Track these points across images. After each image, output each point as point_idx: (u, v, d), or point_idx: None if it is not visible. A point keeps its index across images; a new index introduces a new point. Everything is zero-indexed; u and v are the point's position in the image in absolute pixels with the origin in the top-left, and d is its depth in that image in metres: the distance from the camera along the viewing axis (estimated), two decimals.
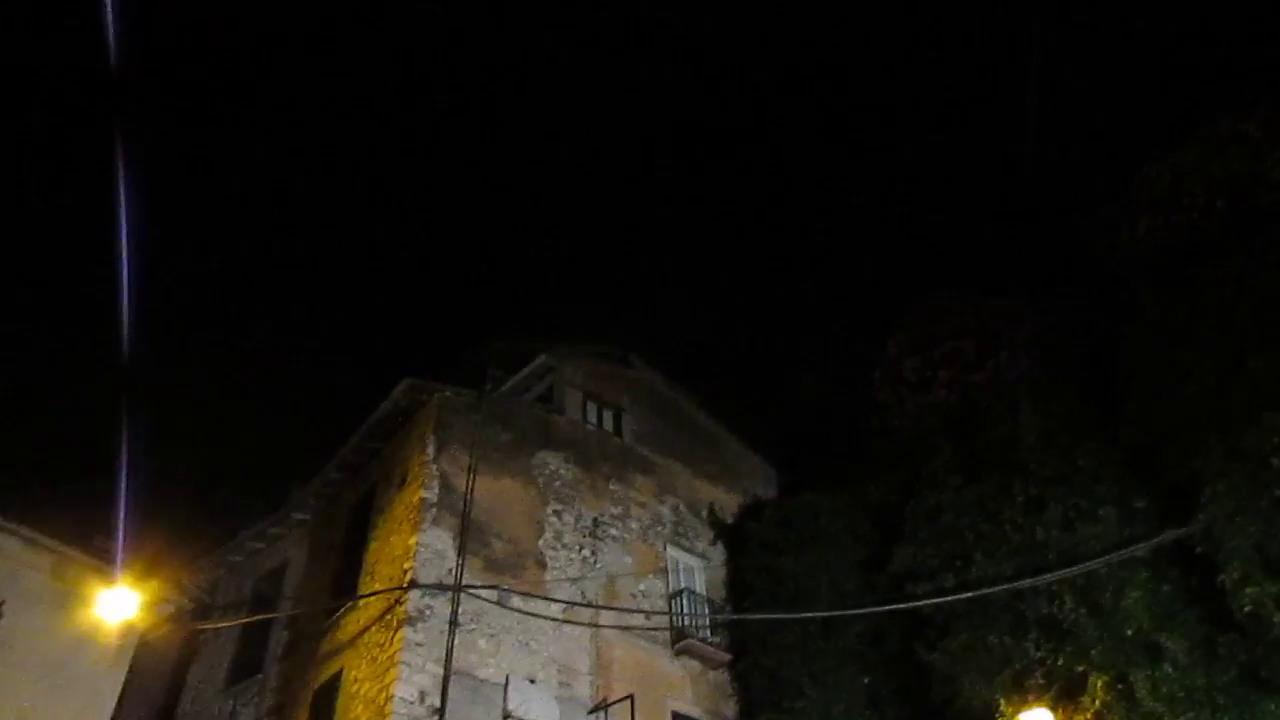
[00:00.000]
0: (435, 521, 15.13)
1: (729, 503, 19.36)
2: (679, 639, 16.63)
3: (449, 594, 14.45)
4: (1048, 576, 12.48)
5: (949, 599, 13.25)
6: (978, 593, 12.99)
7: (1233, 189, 13.89)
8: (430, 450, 15.78)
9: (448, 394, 16.50)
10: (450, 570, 14.77)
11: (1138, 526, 12.52)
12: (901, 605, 14.00)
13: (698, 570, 18.13)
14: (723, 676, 16.93)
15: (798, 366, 23.22)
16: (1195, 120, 14.85)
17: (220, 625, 18.13)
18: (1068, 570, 12.38)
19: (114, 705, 13.75)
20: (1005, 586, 12.80)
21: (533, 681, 14.62)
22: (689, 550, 18.25)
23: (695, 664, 16.73)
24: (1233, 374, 11.77)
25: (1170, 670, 11.54)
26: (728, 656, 16.87)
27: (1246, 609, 10.90)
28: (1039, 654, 12.52)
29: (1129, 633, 11.99)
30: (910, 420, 17.31)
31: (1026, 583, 12.59)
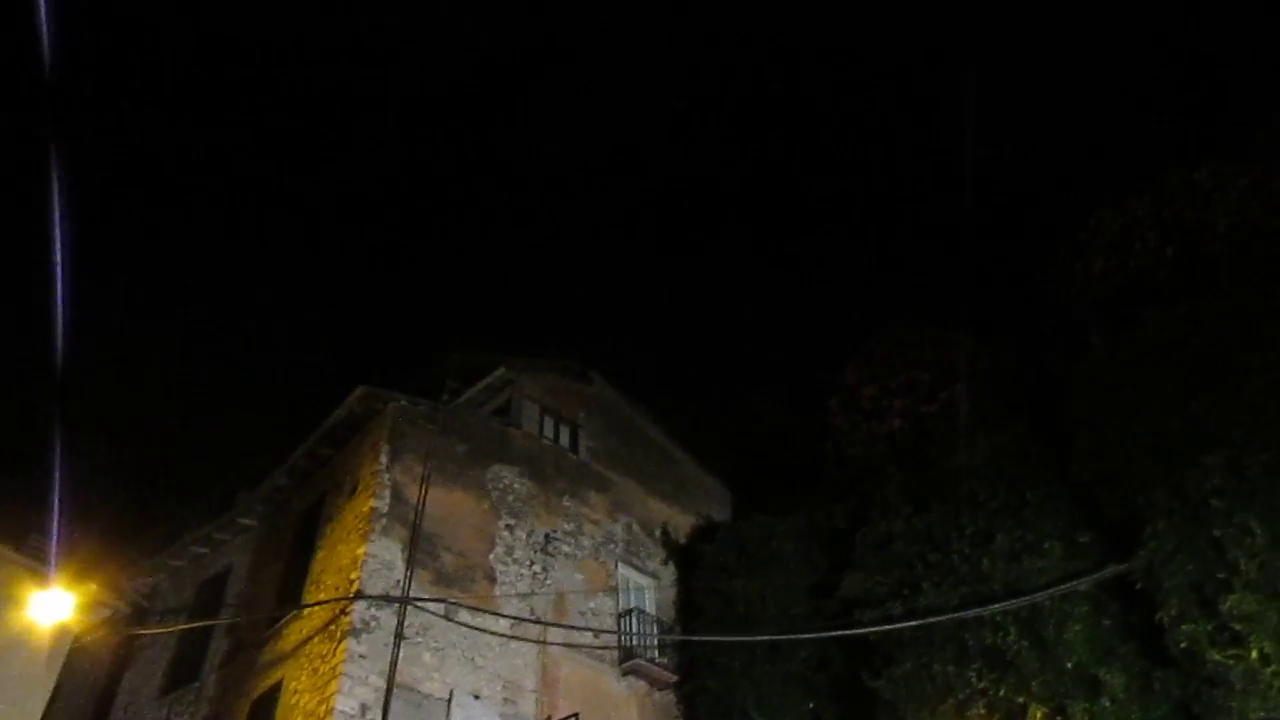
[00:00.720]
0: (385, 532, 14.95)
1: (682, 523, 19.37)
2: (627, 658, 16.56)
3: (396, 606, 14.27)
4: (993, 607, 12.65)
5: (895, 627, 13.37)
6: (924, 621, 13.13)
7: (1183, 236, 14.30)
8: (383, 459, 15.60)
9: (403, 403, 16.36)
10: (398, 582, 14.59)
11: (1081, 561, 12.75)
12: (849, 631, 14.10)
13: (648, 590, 18.10)
14: (669, 698, 16.88)
15: (756, 390, 23.37)
16: (1151, 167, 15.29)
17: (159, 630, 17.69)
18: (1012, 602, 12.57)
19: (43, 710, 13.35)
20: (951, 616, 12.95)
21: (477, 697, 14.46)
22: (640, 569, 18.22)
23: (642, 684, 16.67)
24: (1176, 416, 12.06)
25: (1108, 704, 11.73)
26: (674, 678, 16.83)
27: (1182, 645, 11.13)
28: (981, 684, 12.66)
29: (1069, 665, 12.17)
30: (864, 448, 17.49)
31: (972, 613, 12.75)
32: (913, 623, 13.22)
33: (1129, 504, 12.24)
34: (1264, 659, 10.46)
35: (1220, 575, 10.89)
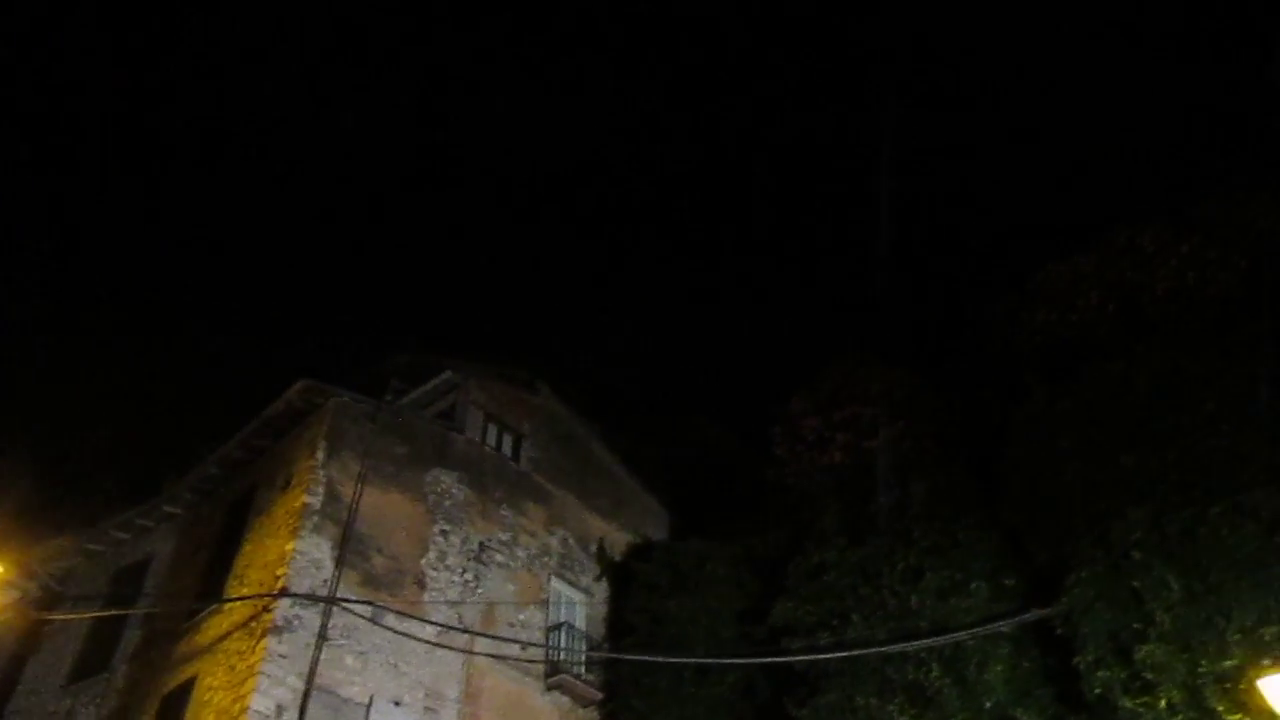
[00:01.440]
0: (316, 529, 14.67)
1: (619, 540, 19.34)
2: (553, 673, 16.45)
3: (321, 606, 14.00)
4: (918, 644, 12.87)
5: (822, 657, 13.52)
6: (850, 653, 13.29)
7: (1123, 295, 14.80)
8: (320, 455, 15.33)
9: (345, 399, 16.10)
10: (325, 581, 14.32)
11: (1006, 603, 13.03)
12: (776, 659, 14.21)
13: (579, 605, 18.01)
14: (593, 715, 16.79)
15: (703, 413, 23.48)
16: (1101, 226, 15.80)
17: (70, 617, 17.06)
18: (937, 639, 12.80)
19: None
20: (877, 649, 13.14)
21: (398, 704, 14.22)
22: (573, 584, 18.13)
23: (566, 700, 16.56)
24: (1106, 468, 12.44)
25: None
26: (600, 695, 16.75)
27: (1097, 691, 11.43)
28: (903, 719, 12.83)
29: (988, 705, 12.42)
30: (805, 478, 17.67)
31: (897, 648, 12.96)
32: (839, 654, 13.37)
33: (1055, 550, 12.56)
34: (1171, 709, 10.79)
35: (1136, 625, 11.22)
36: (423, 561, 15.85)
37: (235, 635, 14.16)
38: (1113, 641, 11.47)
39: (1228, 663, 10.44)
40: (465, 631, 15.47)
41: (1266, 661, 10.18)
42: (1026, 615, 12.62)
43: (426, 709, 14.61)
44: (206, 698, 13.89)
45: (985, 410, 15.85)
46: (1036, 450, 13.59)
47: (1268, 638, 10.34)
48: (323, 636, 13.77)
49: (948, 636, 12.76)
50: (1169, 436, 12.13)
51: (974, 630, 12.68)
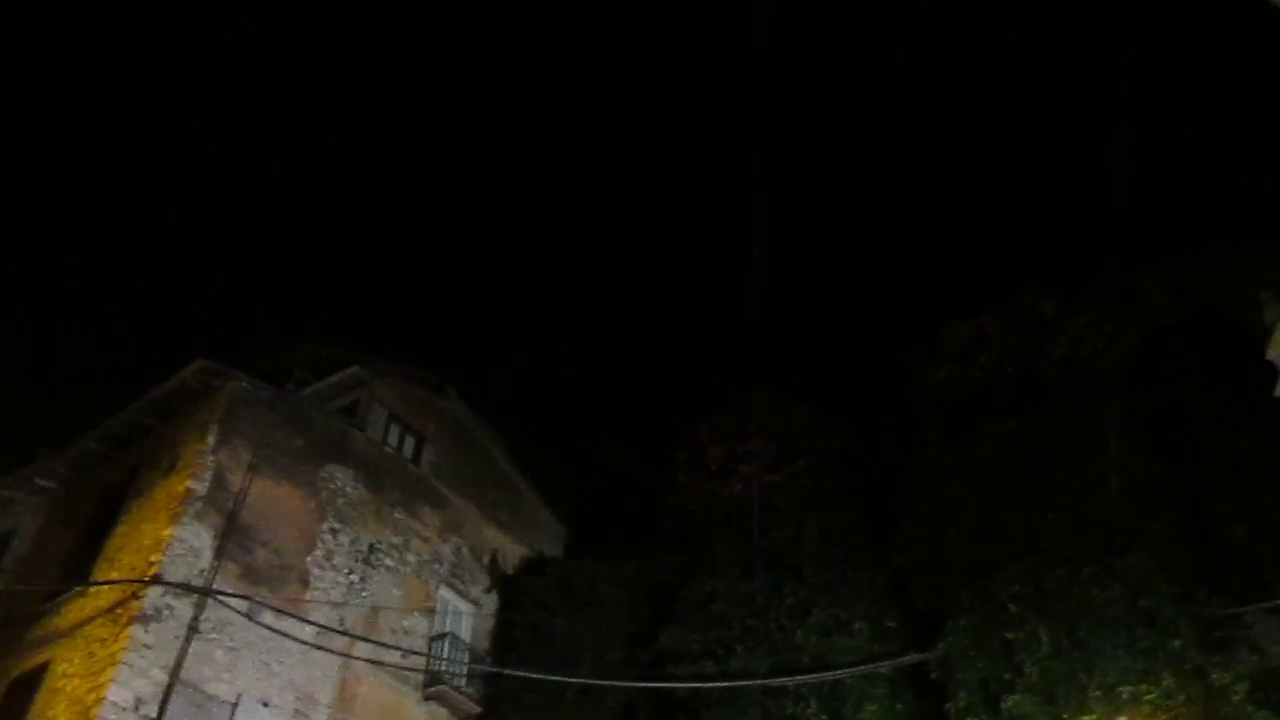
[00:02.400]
0: (198, 516, 14.11)
1: (513, 553, 19.13)
2: (432, 683, 16.11)
3: (195, 597, 13.44)
4: (799, 678, 13.10)
5: (705, 685, 13.62)
6: (732, 684, 13.44)
7: (1022, 358, 15.46)
8: (210, 439, 14.77)
9: (244, 384, 15.57)
10: (202, 572, 13.76)
11: (886, 644, 13.39)
12: (660, 684, 14.23)
13: (467, 616, 17.71)
14: None
15: (610, 434, 23.46)
16: (1006, 288, 16.50)
17: None
18: (817, 675, 13.06)
19: None
20: (759, 682, 13.31)
21: (266, 705, 13.73)
22: (462, 594, 17.83)
23: (444, 712, 16.23)
24: (992, 522, 12.95)
25: None
26: (478, 709, 16.47)
27: None
28: None
29: None
30: (705, 506, 17.81)
31: (779, 681, 13.16)
32: (722, 684, 13.49)
33: (937, 597, 12.98)
34: None
35: (1006, 676, 11.67)
36: (308, 559, 15.38)
37: (98, 621, 13.46)
38: (983, 690, 11.89)
39: (1087, 717, 10.93)
40: (345, 634, 15.04)
41: (1123, 718, 10.71)
42: (904, 658, 12.99)
43: (296, 712, 14.13)
44: (60, 685, 13.15)
45: (883, 456, 16.30)
46: (928, 499, 14.05)
47: (1125, 695, 10.88)
48: (193, 629, 13.22)
49: (828, 673, 13.03)
50: (1051, 497, 12.70)
51: (854, 669, 12.99)
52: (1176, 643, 11.02)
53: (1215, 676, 11.05)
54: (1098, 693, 10.94)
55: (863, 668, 13.00)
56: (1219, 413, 13.11)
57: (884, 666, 13.05)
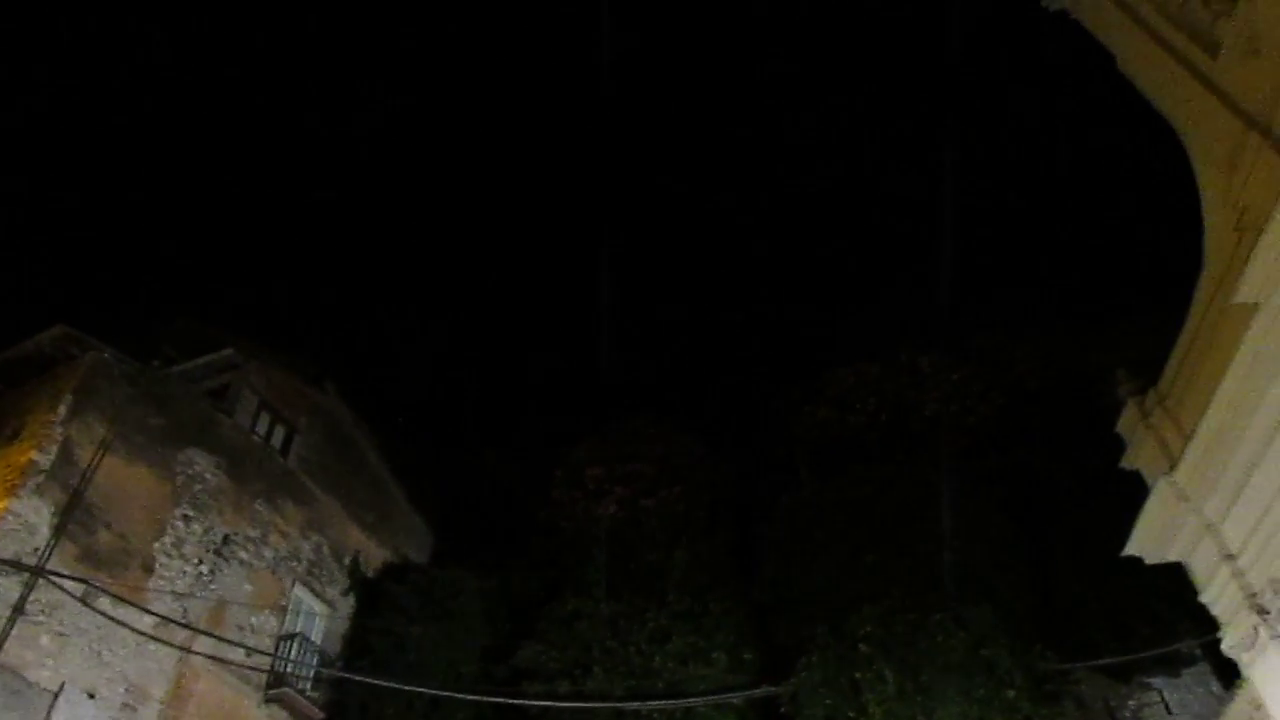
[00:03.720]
0: (38, 490, 13.23)
1: (377, 556, 18.63)
2: (276, 685, 15.46)
3: (25, 575, 12.57)
4: (653, 704, 13.19)
5: (557, 704, 13.53)
6: (585, 705, 13.40)
7: (897, 408, 16.11)
8: (62, 410, 13.90)
9: (105, 355, 14.74)
10: (37, 550, 12.90)
11: (742, 675, 13.63)
12: (512, 700, 14.07)
13: (320, 618, 17.11)
14: None
15: (490, 443, 23.19)
16: (889, 341, 17.17)
17: None
18: (671, 702, 13.19)
19: None
20: (611, 705, 13.33)
21: (92, 696, 12.92)
22: (318, 594, 17.22)
23: (285, 715, 15.58)
24: (852, 564, 13.38)
25: None
26: (322, 715, 15.88)
27: None
28: None
29: None
30: (577, 524, 17.78)
31: (632, 705, 13.21)
32: (575, 704, 13.43)
33: (795, 632, 13.31)
34: None
35: (851, 714, 12.02)
36: (155, 545, 14.60)
37: None
38: None
39: None
40: (187, 627, 14.30)
41: None
42: (757, 690, 13.25)
43: (124, 705, 13.34)
44: None
45: (757, 490, 16.66)
46: (795, 536, 14.43)
47: None
48: (19, 610, 12.35)
49: (682, 701, 13.15)
50: (910, 544, 13.24)
51: (707, 698, 13.15)
52: (1011, 693, 11.59)
53: None
54: None
55: (716, 697, 13.18)
56: (1069, 479, 13.94)
57: (736, 697, 13.27)
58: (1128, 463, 10.46)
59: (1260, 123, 7.64)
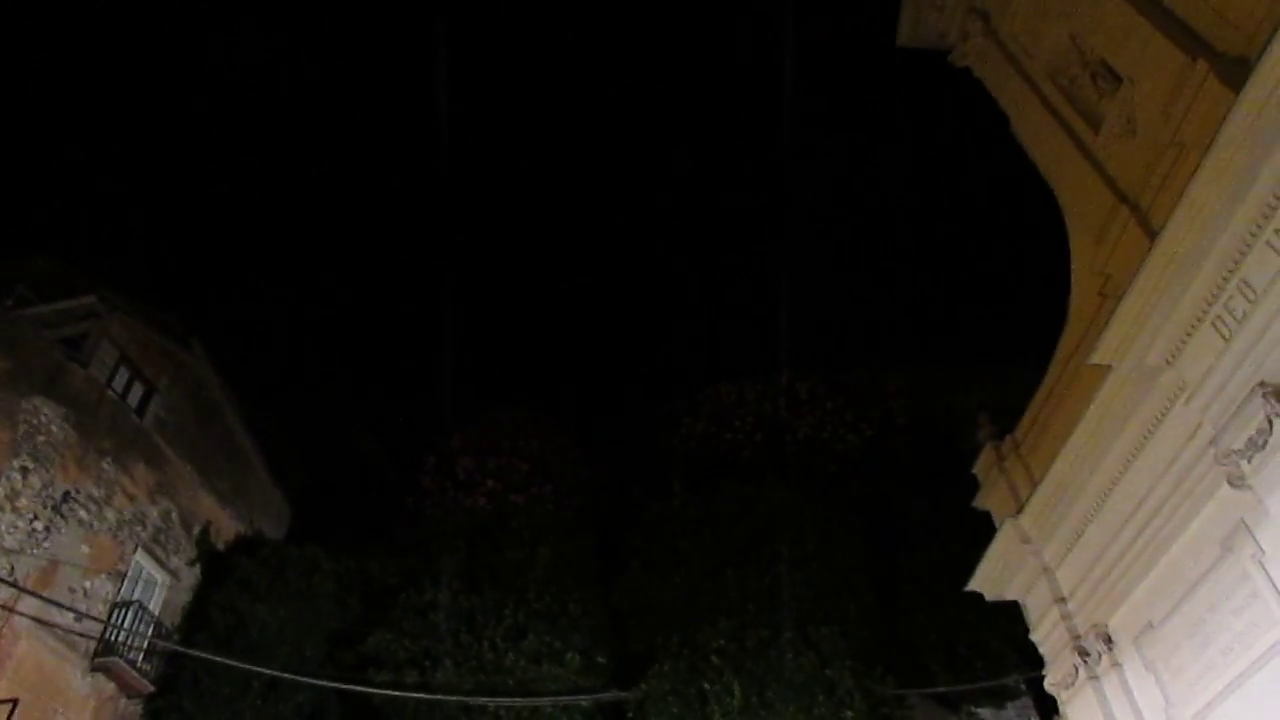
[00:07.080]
0: None
1: (229, 528, 17.87)
2: (105, 653, 14.60)
3: None
4: (500, 700, 13.09)
5: (403, 695, 13.25)
6: (430, 697, 13.17)
7: (772, 429, 16.52)
8: None
9: None
10: None
11: (593, 678, 13.66)
12: (356, 688, 13.71)
13: (161, 587, 16.26)
14: (137, 708, 15.09)
15: (362, 424, 22.58)
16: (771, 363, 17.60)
17: None
18: (521, 700, 13.08)
19: None
20: (458, 699, 13.14)
21: None
22: (161, 562, 16.37)
23: (111, 687, 14.75)
24: (712, 577, 13.63)
25: None
26: (151, 688, 15.10)
27: None
28: None
29: None
30: (443, 513, 17.52)
31: (479, 701, 13.07)
32: (420, 695, 13.18)
33: (649, 640, 13.43)
34: None
35: None
36: None
37: None
38: None
39: None
40: (12, 585, 13.35)
41: None
42: (605, 694, 13.31)
43: None
44: None
45: (628, 495, 16.78)
46: (660, 544, 14.60)
47: None
48: None
49: (531, 699, 13.08)
50: (768, 562, 13.58)
51: (556, 698, 13.13)
52: (849, 713, 12.01)
53: None
54: None
55: (564, 698, 13.18)
56: (924, 513, 14.59)
57: (584, 700, 13.29)
58: (980, 503, 10.99)
59: (1130, 199, 8.19)
